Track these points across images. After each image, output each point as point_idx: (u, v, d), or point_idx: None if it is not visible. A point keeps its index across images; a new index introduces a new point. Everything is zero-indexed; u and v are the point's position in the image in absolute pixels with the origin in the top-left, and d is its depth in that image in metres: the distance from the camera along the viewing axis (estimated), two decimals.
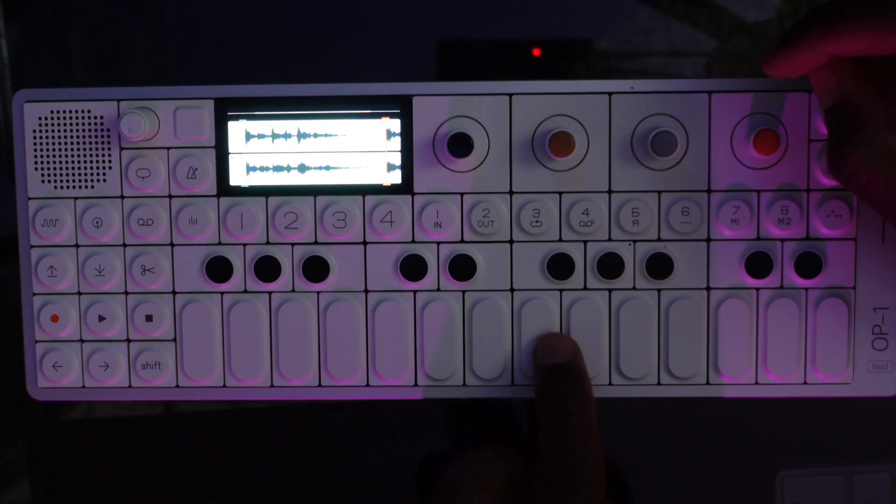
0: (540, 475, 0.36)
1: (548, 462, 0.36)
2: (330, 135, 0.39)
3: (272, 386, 0.40)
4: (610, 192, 0.39)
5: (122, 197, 0.40)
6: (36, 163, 0.40)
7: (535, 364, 0.39)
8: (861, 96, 0.34)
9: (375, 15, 0.43)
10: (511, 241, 0.39)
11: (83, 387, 0.40)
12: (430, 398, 0.40)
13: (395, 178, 0.39)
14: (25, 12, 0.44)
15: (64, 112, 0.39)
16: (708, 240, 0.39)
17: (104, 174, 0.40)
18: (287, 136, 0.39)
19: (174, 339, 0.40)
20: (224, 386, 0.40)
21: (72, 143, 0.39)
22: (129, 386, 0.40)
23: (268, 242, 0.40)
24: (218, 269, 0.40)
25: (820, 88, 0.35)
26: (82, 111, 0.39)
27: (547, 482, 0.35)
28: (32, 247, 0.40)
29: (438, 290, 0.40)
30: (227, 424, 0.45)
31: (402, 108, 0.39)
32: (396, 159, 0.39)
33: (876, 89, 0.34)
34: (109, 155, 0.40)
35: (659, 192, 0.39)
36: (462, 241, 0.39)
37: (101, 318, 0.40)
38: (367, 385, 0.40)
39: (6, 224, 0.41)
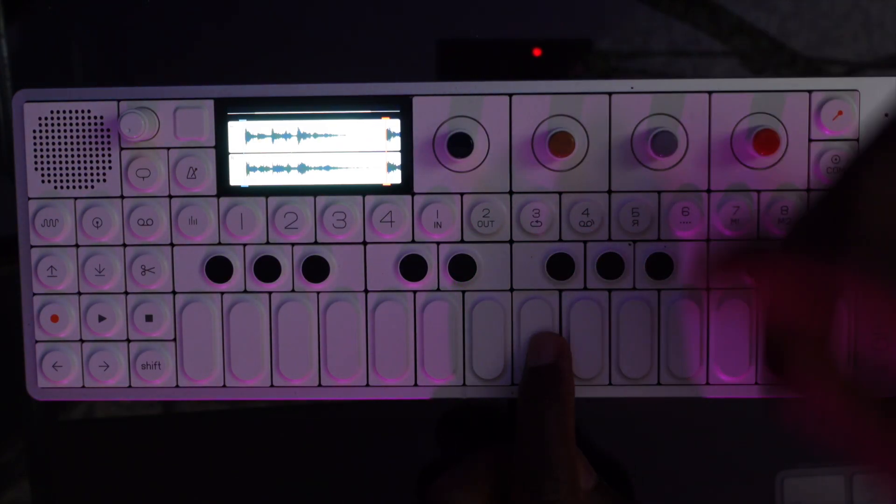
0: (514, 475, 0.36)
1: (522, 461, 0.36)
2: (330, 135, 0.39)
3: (272, 386, 0.40)
4: (610, 192, 0.39)
5: (122, 197, 0.40)
6: (36, 163, 0.40)
7: (524, 366, 0.39)
8: (798, 310, 0.33)
9: (375, 15, 0.43)
10: (511, 241, 0.39)
11: (83, 387, 0.40)
12: (429, 398, 0.40)
13: (395, 178, 0.39)
14: (25, 12, 0.44)
15: (64, 112, 0.39)
16: (708, 240, 0.39)
17: (104, 174, 0.40)
18: (287, 136, 0.39)
19: (174, 339, 0.40)
20: (224, 386, 0.40)
21: (72, 143, 0.39)
22: (129, 386, 0.40)
23: (268, 242, 0.40)
24: (218, 269, 0.40)
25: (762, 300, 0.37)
26: (82, 111, 0.39)
27: (520, 484, 0.35)
28: (32, 247, 0.40)
29: (438, 290, 0.40)
30: (227, 424, 0.45)
31: (402, 108, 0.39)
32: (396, 159, 0.39)
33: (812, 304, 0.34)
34: (109, 155, 0.40)
35: (659, 192, 0.39)
36: (462, 241, 0.39)
37: (101, 318, 0.40)
38: (367, 385, 0.40)
39: (6, 224, 0.41)
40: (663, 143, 0.38)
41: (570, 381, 0.38)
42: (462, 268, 0.39)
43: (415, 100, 0.39)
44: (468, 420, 0.43)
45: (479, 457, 0.39)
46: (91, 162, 0.40)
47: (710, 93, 0.39)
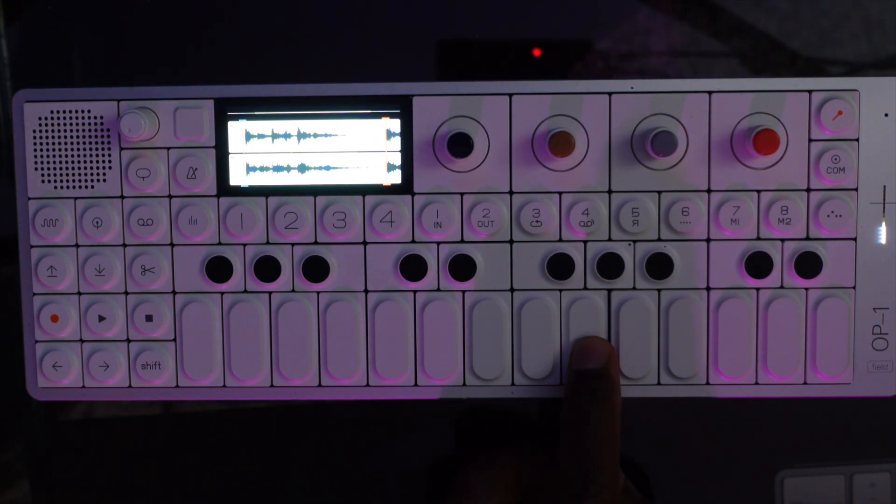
0: (558, 475, 0.36)
1: (567, 463, 0.36)
2: (330, 135, 0.39)
3: (272, 386, 0.40)
4: (610, 192, 0.39)
5: (122, 197, 0.40)
6: (36, 163, 0.40)
7: (569, 366, 0.39)
8: None
9: (375, 15, 0.43)
10: (511, 241, 0.39)
11: (83, 387, 0.40)
12: (429, 398, 0.40)
13: (395, 178, 0.39)
14: (25, 12, 0.44)
15: (64, 112, 0.39)
16: (708, 240, 0.39)
17: (104, 174, 0.40)
18: (287, 136, 0.39)
19: (174, 339, 0.40)
20: (224, 386, 0.40)
21: (72, 143, 0.40)
22: (129, 386, 0.40)
23: (268, 242, 0.40)
24: (218, 269, 0.40)
25: None
26: (82, 111, 0.39)
27: (564, 482, 0.36)
28: (32, 247, 0.40)
29: (438, 290, 0.40)
30: (227, 424, 0.45)
31: (402, 108, 0.39)
32: (396, 159, 0.39)
33: None
34: (109, 155, 0.40)
35: (659, 192, 0.39)
36: (462, 241, 0.39)
37: (101, 318, 0.40)
38: (367, 385, 0.40)
39: (6, 224, 0.41)
40: (663, 143, 0.38)
41: (619, 388, 0.38)
42: (462, 268, 0.39)
43: (415, 100, 0.39)
44: (487, 418, 0.43)
45: (502, 454, 0.39)
46: (91, 162, 0.40)
47: (710, 93, 0.39)
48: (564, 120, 0.39)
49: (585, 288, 0.39)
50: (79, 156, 0.40)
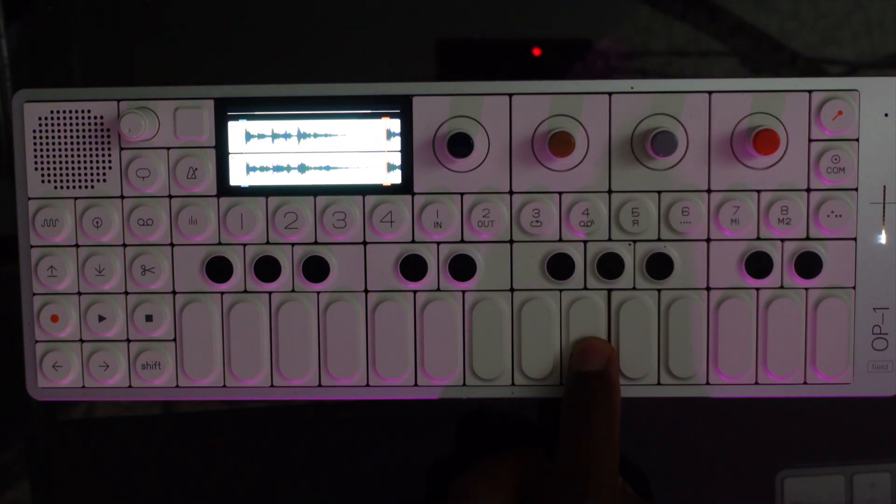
0: (556, 476, 0.36)
1: (565, 465, 0.36)
2: (330, 135, 0.39)
3: (272, 386, 0.40)
4: (610, 192, 0.39)
5: (122, 197, 0.40)
6: (36, 163, 0.40)
7: (569, 367, 0.39)
8: None
9: (375, 15, 0.43)
10: (511, 241, 0.39)
11: (83, 387, 0.40)
12: (430, 398, 0.40)
13: (395, 178, 0.39)
14: (25, 12, 0.44)
15: (64, 112, 0.39)
16: (708, 240, 0.39)
17: (104, 174, 0.40)
18: (287, 136, 0.39)
19: (174, 339, 0.40)
20: (224, 386, 0.40)
21: (72, 143, 0.39)
22: (129, 386, 0.40)
23: (268, 242, 0.40)
24: (218, 269, 0.40)
25: None
26: (82, 111, 0.39)
27: (563, 483, 0.36)
28: (32, 247, 0.40)
29: (438, 290, 0.40)
30: (227, 424, 0.45)
31: (402, 108, 0.39)
32: (396, 159, 0.39)
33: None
34: (109, 155, 0.40)
35: (659, 192, 0.39)
36: (462, 241, 0.39)
37: (101, 318, 0.40)
38: (367, 385, 0.40)
39: (6, 224, 0.41)
40: (663, 143, 0.38)
41: (618, 389, 0.38)
42: (462, 268, 0.39)
43: (415, 100, 0.39)
44: (489, 421, 0.44)
45: (504, 456, 0.39)
46: (91, 162, 0.40)
47: (710, 93, 0.39)
48: (564, 120, 0.39)
49: (585, 288, 0.39)
50: (79, 156, 0.40)
